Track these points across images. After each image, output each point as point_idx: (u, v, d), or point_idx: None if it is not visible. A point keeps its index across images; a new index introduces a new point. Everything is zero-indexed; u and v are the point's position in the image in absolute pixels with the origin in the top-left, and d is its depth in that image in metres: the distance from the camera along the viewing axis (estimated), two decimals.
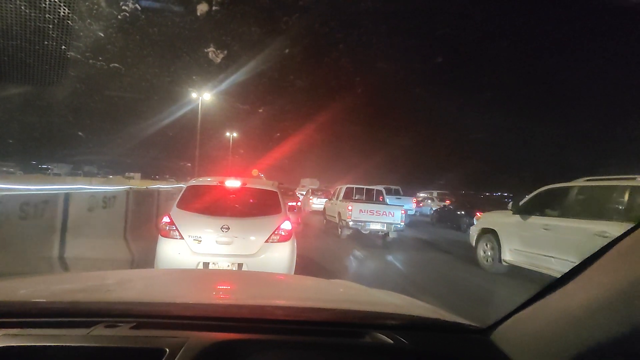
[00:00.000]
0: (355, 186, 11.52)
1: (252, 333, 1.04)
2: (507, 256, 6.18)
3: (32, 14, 3.74)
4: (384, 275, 6.08)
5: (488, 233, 6.76)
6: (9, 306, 1.13)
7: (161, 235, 3.97)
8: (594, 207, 5.18)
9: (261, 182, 5.12)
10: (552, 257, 5.33)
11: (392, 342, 1.02)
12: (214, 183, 4.46)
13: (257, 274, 2.57)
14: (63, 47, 3.95)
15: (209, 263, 3.81)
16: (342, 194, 11.11)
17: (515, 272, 6.14)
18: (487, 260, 6.71)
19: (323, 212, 12.71)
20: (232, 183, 4.40)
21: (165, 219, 4.01)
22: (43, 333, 1.00)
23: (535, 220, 5.83)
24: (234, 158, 33.23)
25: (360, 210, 9.46)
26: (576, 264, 0.87)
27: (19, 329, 1.00)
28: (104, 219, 5.07)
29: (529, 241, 5.85)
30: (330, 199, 12.30)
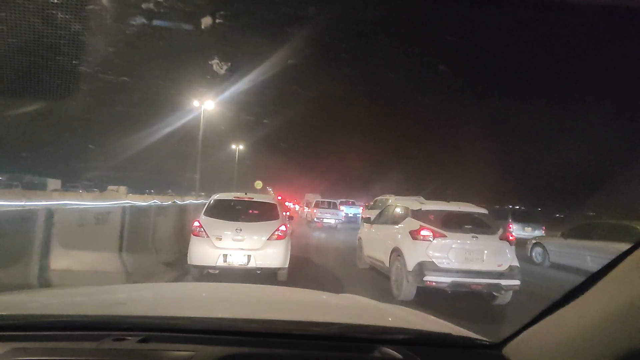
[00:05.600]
0: (321, 199, 20.07)
1: (261, 347, 1.04)
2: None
3: (46, 31, 3.91)
4: (327, 236, 14.46)
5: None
6: (18, 319, 1.13)
7: (193, 235, 5.40)
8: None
9: (264, 197, 6.87)
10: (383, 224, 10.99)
11: (401, 357, 1.01)
12: (231, 197, 6.04)
13: (265, 288, 2.63)
14: (74, 62, 4.13)
15: (227, 255, 5.22)
16: (313, 204, 19.85)
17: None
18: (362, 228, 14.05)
19: (301, 215, 23.10)
20: (244, 197, 5.98)
21: (196, 224, 5.46)
22: (52, 346, 1.00)
23: (372, 210, 13.07)
24: (238, 168, 33.38)
25: (320, 212, 18.38)
26: (588, 277, 0.87)
27: (28, 342, 1.00)
28: None
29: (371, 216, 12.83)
30: (308, 207, 21.39)
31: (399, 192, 14.07)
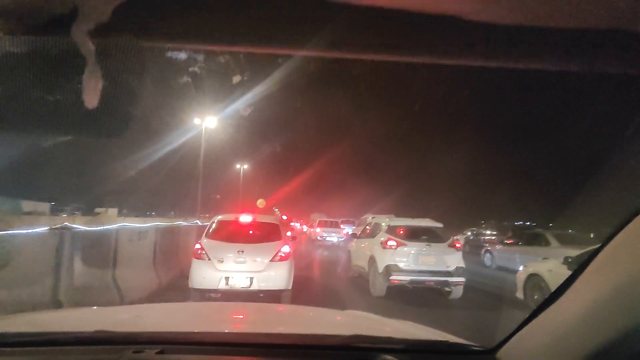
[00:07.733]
0: (323, 219, 21.83)
1: (270, 357, 1.11)
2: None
3: (111, 89, 5.23)
4: (330, 251, 15.69)
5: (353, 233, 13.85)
6: (42, 336, 1.18)
7: (194, 258, 5.27)
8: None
9: (267, 217, 6.68)
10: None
11: None
12: (232, 218, 5.96)
13: (270, 305, 2.74)
14: (129, 108, 5.45)
15: (229, 277, 5.08)
16: (316, 223, 21.44)
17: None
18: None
19: (309, 234, 23.98)
20: (245, 218, 5.86)
21: (197, 246, 5.36)
22: (76, 359, 1.06)
23: (358, 227, 14.22)
24: (247, 188, 33.23)
25: (323, 231, 20.17)
26: (563, 282, 0.93)
27: (52, 356, 1.06)
28: None
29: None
30: (311, 226, 23.35)
31: (394, 211, 15.17)
